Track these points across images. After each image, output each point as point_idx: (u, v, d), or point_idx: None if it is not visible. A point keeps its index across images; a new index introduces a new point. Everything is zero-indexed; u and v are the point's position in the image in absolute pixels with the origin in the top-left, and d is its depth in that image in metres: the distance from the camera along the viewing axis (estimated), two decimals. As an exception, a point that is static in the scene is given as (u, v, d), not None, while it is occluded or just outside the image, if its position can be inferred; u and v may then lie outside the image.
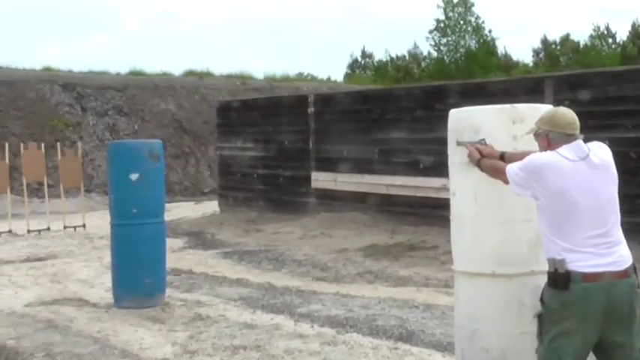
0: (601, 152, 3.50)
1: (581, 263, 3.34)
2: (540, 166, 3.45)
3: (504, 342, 3.91)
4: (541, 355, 3.50)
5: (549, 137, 3.53)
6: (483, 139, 3.88)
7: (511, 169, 3.56)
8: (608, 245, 3.38)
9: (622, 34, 43.73)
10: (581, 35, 60.45)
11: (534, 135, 3.62)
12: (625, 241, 3.48)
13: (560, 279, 3.37)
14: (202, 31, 72.32)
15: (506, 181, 3.60)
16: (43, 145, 14.17)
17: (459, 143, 3.96)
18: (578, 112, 3.63)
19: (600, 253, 3.36)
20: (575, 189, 3.38)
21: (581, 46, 44.00)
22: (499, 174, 3.67)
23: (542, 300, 3.52)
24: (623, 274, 3.36)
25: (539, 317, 3.54)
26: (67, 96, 20.43)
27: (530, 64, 44.41)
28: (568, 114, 3.55)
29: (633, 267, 3.43)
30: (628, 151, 8.71)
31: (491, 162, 3.78)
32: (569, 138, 3.48)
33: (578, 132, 3.51)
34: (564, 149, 3.45)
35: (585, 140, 3.53)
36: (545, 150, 3.53)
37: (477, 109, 4.10)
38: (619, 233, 3.45)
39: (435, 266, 9.25)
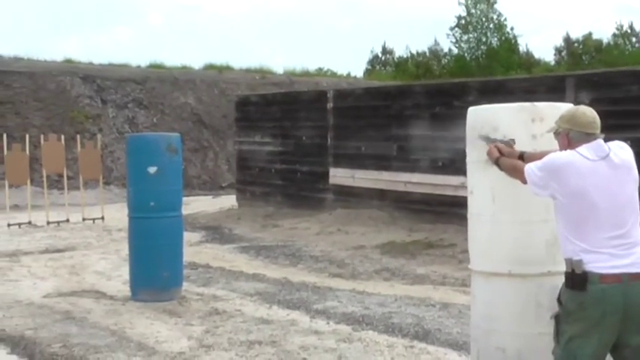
0: (622, 152, 3.46)
1: (598, 264, 3.31)
2: (559, 166, 3.41)
3: (520, 342, 3.88)
4: (557, 356, 3.47)
5: (569, 136, 3.49)
6: (512, 140, 3.83)
7: (529, 168, 3.53)
8: (627, 246, 3.34)
9: (646, 32, 43.28)
10: (604, 34, 59.89)
11: (554, 134, 3.58)
12: None
13: (577, 280, 3.34)
14: (223, 25, 72.46)
15: (524, 181, 3.56)
16: (62, 136, 14.28)
17: (480, 137, 3.92)
18: (600, 111, 3.59)
19: (618, 254, 3.32)
20: (594, 189, 3.34)
21: (604, 44, 43.58)
22: (517, 173, 3.63)
23: (559, 300, 3.49)
24: None
25: (557, 318, 3.51)
26: (88, 88, 20.55)
27: (552, 63, 44.07)
28: (589, 113, 3.50)
29: None
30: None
31: (510, 161, 3.75)
32: (589, 137, 3.44)
33: (598, 131, 3.47)
34: (584, 148, 3.41)
35: (606, 140, 3.49)
36: (565, 149, 3.49)
37: (495, 107, 4.07)
38: (638, 234, 3.41)
39: (453, 265, 9.21)
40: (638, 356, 3.39)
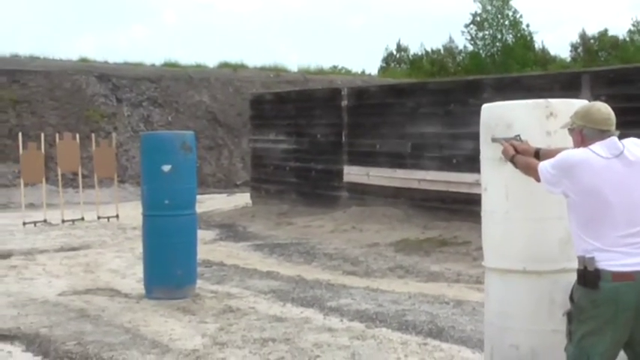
0: (637, 149, 3.42)
1: (611, 262, 3.29)
2: (572, 164, 3.39)
3: (534, 339, 3.87)
4: (570, 353, 3.46)
5: (583, 133, 3.46)
6: (518, 135, 3.81)
7: (543, 166, 3.50)
8: (639, 245, 3.31)
9: (662, 28, 42.91)
10: (620, 30, 59.47)
11: (568, 130, 3.55)
12: None
13: (589, 277, 3.32)
14: (238, 23, 72.63)
15: (538, 179, 3.54)
16: (78, 135, 14.34)
17: (494, 140, 3.90)
18: (616, 108, 3.55)
19: (631, 252, 3.30)
20: (607, 187, 3.31)
21: (620, 41, 43.26)
22: (531, 171, 3.61)
23: (571, 298, 3.48)
24: None
25: (569, 315, 3.50)
26: (103, 87, 20.65)
27: (568, 59, 43.80)
28: (604, 109, 3.47)
29: None
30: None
31: (524, 159, 3.72)
32: (603, 134, 3.41)
33: (613, 128, 3.44)
34: (597, 146, 3.38)
35: (622, 136, 3.46)
36: (579, 146, 3.46)
37: (509, 103, 4.05)
38: None
39: (467, 262, 9.18)
40: None
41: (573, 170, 3.37)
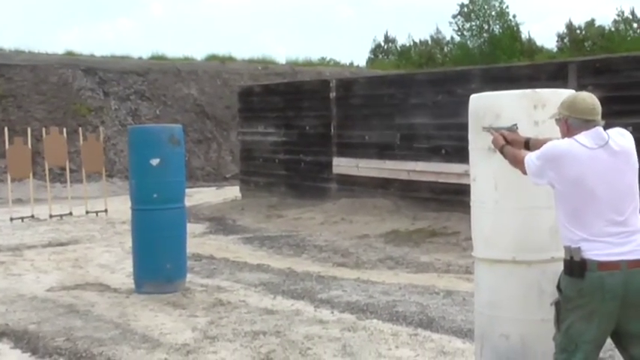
0: (621, 139, 3.43)
1: (597, 252, 3.30)
2: (557, 154, 3.39)
3: (524, 329, 3.88)
4: (558, 342, 3.48)
5: (569, 122, 3.47)
6: (515, 125, 3.80)
7: (528, 158, 3.51)
8: (626, 234, 3.33)
9: (647, 18, 43.02)
10: (606, 20, 59.62)
11: (555, 120, 3.55)
12: None
13: (575, 267, 3.34)
14: (225, 16, 72.33)
15: (524, 172, 3.55)
16: (65, 129, 14.26)
17: (484, 129, 3.89)
18: (602, 97, 3.56)
19: (617, 242, 3.31)
20: (592, 177, 3.32)
21: (606, 30, 43.38)
22: (518, 164, 3.62)
23: (558, 287, 3.49)
24: None
25: (556, 305, 3.52)
26: (89, 80, 20.53)
27: (555, 50, 43.89)
28: (589, 99, 3.47)
29: None
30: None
31: (512, 151, 3.72)
32: (588, 124, 3.42)
33: (598, 118, 3.44)
34: (582, 136, 3.39)
35: (608, 126, 3.46)
36: (566, 135, 3.47)
37: (497, 94, 4.04)
38: (637, 222, 3.39)
39: (456, 252, 9.21)
40: (637, 342, 3.38)
41: (558, 161, 3.38)
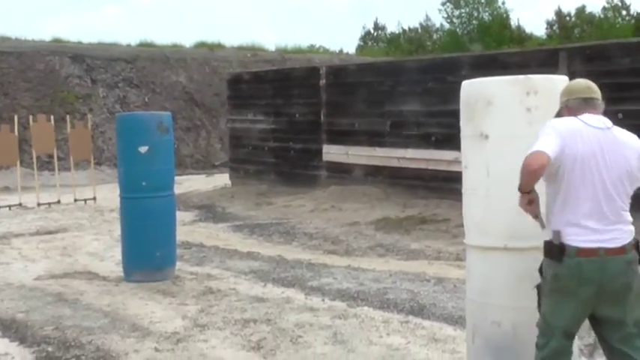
0: (626, 135, 3.42)
1: (577, 237, 3.31)
2: (564, 127, 3.34)
3: (516, 316, 3.86)
4: (538, 327, 3.49)
5: (569, 106, 3.47)
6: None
7: (538, 145, 3.25)
8: (609, 222, 3.32)
9: (636, 5, 43.17)
10: (595, 7, 59.71)
11: (558, 114, 3.53)
12: (630, 219, 3.41)
13: (554, 250, 3.35)
14: (214, 3, 71.90)
15: (537, 168, 3.27)
16: (52, 117, 14.13)
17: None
18: (592, 84, 3.56)
19: (600, 229, 3.31)
20: (588, 155, 3.30)
21: (595, 18, 43.41)
22: (527, 166, 3.30)
23: (540, 271, 3.50)
24: (620, 250, 3.31)
25: (538, 289, 3.53)
26: (77, 68, 20.37)
27: (544, 37, 43.90)
28: (582, 81, 3.53)
29: (635, 243, 3.37)
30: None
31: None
32: (587, 102, 3.42)
33: (596, 96, 3.45)
34: (587, 116, 3.39)
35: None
36: None
37: (490, 80, 4.00)
38: (624, 211, 3.38)
39: (447, 239, 9.21)
40: (616, 329, 3.39)
41: (565, 134, 3.30)
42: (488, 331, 3.94)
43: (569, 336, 3.44)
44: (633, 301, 3.38)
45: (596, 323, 3.45)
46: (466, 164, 4.07)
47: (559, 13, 44.88)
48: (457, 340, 5.24)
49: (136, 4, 68.43)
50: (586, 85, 3.48)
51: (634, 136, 3.46)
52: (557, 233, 3.34)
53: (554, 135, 3.31)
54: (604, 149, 3.33)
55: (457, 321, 5.70)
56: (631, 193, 3.41)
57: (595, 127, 3.35)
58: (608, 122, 3.41)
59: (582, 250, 3.29)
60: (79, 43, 22.76)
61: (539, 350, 3.46)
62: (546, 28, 45.52)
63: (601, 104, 3.45)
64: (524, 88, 3.84)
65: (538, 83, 3.85)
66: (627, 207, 3.40)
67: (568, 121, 3.40)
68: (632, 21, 41.70)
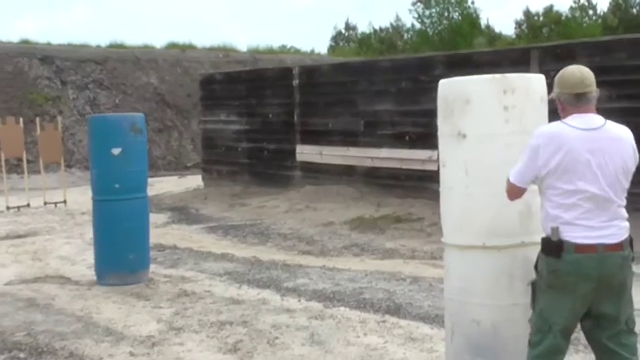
0: (619, 129, 3.40)
1: (575, 234, 3.30)
2: (548, 135, 3.35)
3: (495, 314, 3.85)
4: (533, 323, 3.48)
5: (561, 100, 3.43)
6: None
7: (514, 172, 3.49)
8: (607, 219, 3.32)
9: (602, 5, 43.68)
10: (564, 7, 60.36)
11: (554, 101, 3.52)
12: (626, 215, 3.41)
13: (553, 247, 3.33)
14: (185, 3, 71.49)
15: (517, 192, 3.55)
16: (21, 119, 13.92)
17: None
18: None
19: (597, 226, 3.30)
20: (579, 158, 3.29)
21: (563, 17, 43.87)
22: (510, 188, 3.56)
23: (536, 267, 3.49)
24: (617, 247, 3.31)
25: (533, 285, 3.51)
26: (46, 69, 20.12)
27: (513, 37, 44.27)
28: (577, 72, 3.42)
29: (630, 240, 3.38)
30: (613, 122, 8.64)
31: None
32: (579, 98, 3.37)
33: (589, 89, 3.39)
34: (573, 118, 3.35)
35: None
36: (562, 114, 3.43)
37: (467, 79, 3.99)
38: (621, 208, 3.38)
39: (422, 238, 9.22)
40: (609, 326, 3.39)
41: (549, 142, 3.32)
42: (468, 330, 3.93)
43: (567, 333, 3.42)
44: (627, 299, 3.39)
45: (588, 320, 3.43)
46: (444, 162, 4.06)
47: (527, 13, 45.31)
48: (434, 339, 5.24)
49: (106, 4, 67.87)
50: (580, 78, 3.39)
51: (627, 130, 3.44)
52: (555, 230, 3.33)
53: (531, 158, 3.38)
54: (595, 151, 3.30)
55: (434, 320, 5.70)
56: (627, 186, 3.40)
57: (583, 129, 3.32)
58: (599, 120, 3.37)
59: (581, 246, 3.28)
60: (48, 44, 22.50)
61: (534, 347, 3.43)
62: (515, 28, 45.94)
63: (595, 95, 3.40)
64: (502, 86, 3.83)
65: (515, 82, 3.85)
66: (624, 203, 3.39)
67: (553, 131, 3.37)
68: (599, 20, 42.25)
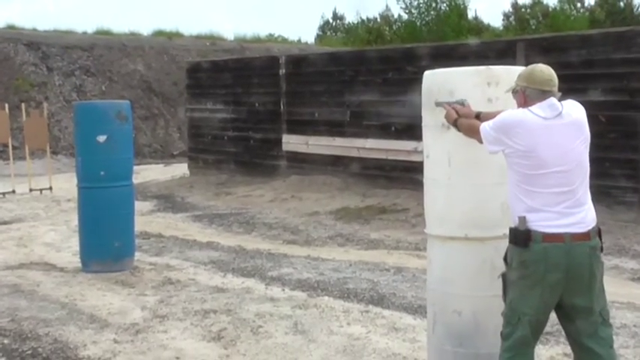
0: (575, 111, 3.44)
1: (542, 223, 3.33)
2: (510, 123, 3.41)
3: (476, 305, 3.89)
4: (504, 315, 3.50)
5: (526, 94, 3.47)
6: (464, 100, 3.80)
7: (484, 127, 3.52)
8: (572, 205, 3.35)
9: (590, -2, 43.78)
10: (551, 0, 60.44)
11: (512, 92, 3.56)
12: (591, 204, 3.45)
13: (520, 236, 3.36)
14: (171, -9, 71.01)
15: (480, 141, 3.55)
16: (7, 105, 13.85)
17: (437, 104, 3.88)
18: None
19: (563, 213, 3.33)
20: (544, 147, 3.33)
21: (551, 9, 43.96)
22: (474, 133, 3.62)
23: (505, 259, 3.51)
24: (585, 236, 3.34)
25: (503, 277, 3.53)
26: (32, 55, 19.99)
27: (501, 28, 44.32)
28: (546, 71, 3.48)
29: (597, 230, 3.41)
30: (597, 114, 8.71)
31: (467, 121, 3.72)
32: (544, 94, 3.43)
33: (555, 89, 3.46)
34: (537, 107, 3.40)
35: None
36: (522, 107, 3.48)
37: (452, 70, 4.02)
38: (585, 195, 3.42)
39: (406, 229, 9.27)
40: (583, 318, 3.41)
41: (511, 130, 3.39)
42: (449, 320, 3.97)
43: (537, 326, 3.43)
44: (598, 289, 3.42)
45: (564, 315, 3.46)
46: (427, 154, 4.09)
47: (515, 5, 45.39)
48: (417, 329, 5.28)
49: (92, -10, 67.25)
50: (549, 76, 3.46)
51: (580, 108, 3.48)
52: (522, 219, 3.36)
53: (496, 134, 3.44)
54: (554, 138, 3.34)
55: (417, 310, 5.74)
56: (587, 176, 3.43)
57: (543, 117, 3.36)
58: (557, 107, 3.40)
59: (548, 235, 3.30)
60: (34, 30, 22.34)
61: (505, 340, 3.46)
62: (503, 20, 46.01)
63: (556, 95, 3.46)
64: (486, 78, 3.86)
65: (499, 74, 3.88)
66: (587, 188, 3.42)
67: (517, 117, 3.41)
68: (587, 13, 42.38)
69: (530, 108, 3.41)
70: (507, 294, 3.48)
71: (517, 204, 3.41)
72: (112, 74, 21.14)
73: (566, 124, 3.38)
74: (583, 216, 3.36)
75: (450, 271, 3.95)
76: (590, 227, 3.36)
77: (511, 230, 3.43)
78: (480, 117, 3.72)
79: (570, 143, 3.37)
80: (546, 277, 3.31)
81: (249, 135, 14.51)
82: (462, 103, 3.79)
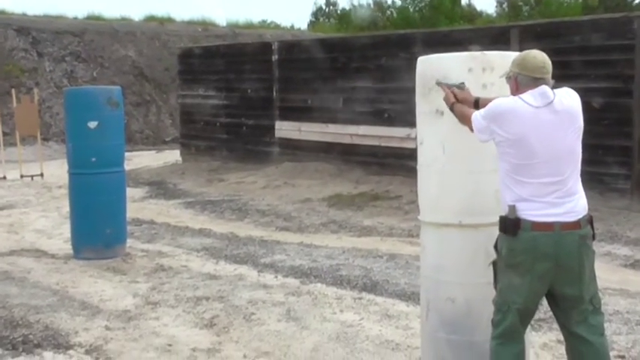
0: (568, 99, 3.40)
1: (532, 212, 3.31)
2: (500, 112, 3.37)
3: (470, 292, 3.87)
4: (495, 303, 3.49)
5: (518, 80, 3.44)
6: (463, 83, 3.77)
7: (475, 116, 3.50)
8: (562, 195, 3.33)
9: (584, -16, 43.66)
10: (545, -15, 60.24)
11: (506, 78, 3.53)
12: (582, 192, 3.43)
13: (509, 224, 3.35)
14: (163, -24, 70.52)
15: (472, 129, 3.53)
16: (-3, 91, 13.76)
17: (437, 83, 3.84)
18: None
19: (553, 202, 3.31)
20: (534, 135, 3.30)
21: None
22: (466, 121, 3.59)
23: (495, 247, 3.50)
24: (575, 225, 3.32)
25: (494, 265, 3.52)
26: (22, 40, 19.82)
27: (494, 15, 44.24)
28: (539, 57, 3.43)
29: (589, 218, 3.39)
30: (590, 101, 8.70)
31: (461, 108, 3.69)
32: (537, 82, 3.38)
33: (548, 76, 3.41)
34: (528, 95, 3.36)
35: (552, 88, 3.44)
36: (515, 93, 3.44)
37: (446, 56, 3.98)
38: (576, 183, 3.39)
39: (399, 216, 9.26)
40: (573, 306, 3.40)
41: (501, 118, 3.36)
42: (443, 307, 3.95)
43: (526, 314, 3.43)
44: (589, 277, 3.40)
45: (555, 303, 3.46)
46: (421, 140, 4.06)
47: (509, -8, 45.25)
48: (410, 316, 5.27)
49: (83, -25, 66.69)
50: (542, 63, 3.40)
51: (575, 96, 3.44)
52: (512, 208, 3.35)
53: (486, 123, 3.42)
54: (544, 127, 3.30)
55: (410, 297, 5.73)
56: (579, 165, 3.41)
57: (535, 106, 3.32)
58: (549, 95, 3.35)
59: (537, 224, 3.29)
60: (24, 15, 22.15)
61: (495, 327, 3.46)
62: (496, 6, 45.90)
63: (550, 83, 3.41)
64: (481, 64, 3.83)
65: (494, 60, 3.85)
66: (578, 177, 3.41)
67: (507, 105, 3.38)
68: (580, 0, 42.30)
69: (521, 96, 3.37)
70: (498, 282, 3.48)
71: (507, 193, 3.40)
72: (103, 60, 21.00)
73: (558, 113, 3.34)
74: (573, 205, 3.34)
75: (444, 258, 3.94)
76: (580, 216, 3.35)
77: (501, 218, 3.42)
78: (478, 102, 3.68)
79: (561, 133, 3.33)
80: (535, 266, 3.31)
81: (241, 121, 14.45)
82: (462, 87, 3.76)
